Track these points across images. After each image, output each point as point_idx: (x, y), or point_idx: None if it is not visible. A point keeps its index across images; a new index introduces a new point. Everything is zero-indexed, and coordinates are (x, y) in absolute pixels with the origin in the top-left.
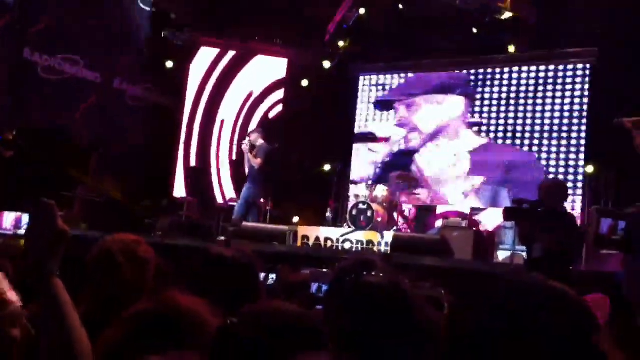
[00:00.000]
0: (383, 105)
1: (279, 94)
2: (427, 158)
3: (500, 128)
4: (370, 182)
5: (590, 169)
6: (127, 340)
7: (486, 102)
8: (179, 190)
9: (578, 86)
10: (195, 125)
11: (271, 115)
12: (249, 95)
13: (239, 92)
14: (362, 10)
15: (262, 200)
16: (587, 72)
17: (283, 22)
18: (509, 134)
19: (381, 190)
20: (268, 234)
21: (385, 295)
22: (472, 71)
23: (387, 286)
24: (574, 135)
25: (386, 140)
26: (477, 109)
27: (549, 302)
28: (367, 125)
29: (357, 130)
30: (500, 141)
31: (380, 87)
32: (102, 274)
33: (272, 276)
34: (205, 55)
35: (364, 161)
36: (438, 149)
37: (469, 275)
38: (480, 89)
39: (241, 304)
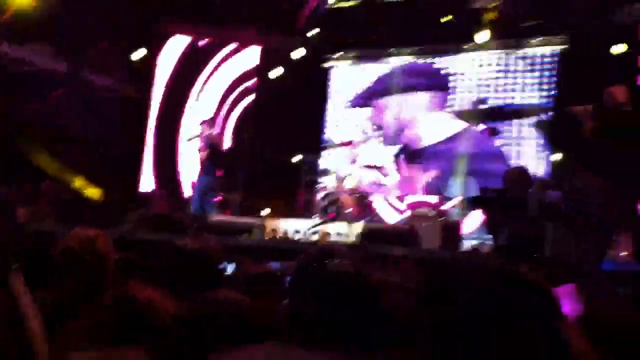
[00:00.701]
0: (354, 106)
1: (252, 82)
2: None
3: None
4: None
5: (557, 156)
6: (92, 334)
7: (458, 91)
8: (148, 183)
9: (546, 73)
10: (165, 116)
11: (243, 104)
12: (221, 84)
13: (211, 80)
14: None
15: (218, 190)
16: (556, 59)
17: (257, 9)
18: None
19: (350, 181)
20: (236, 227)
21: (349, 282)
22: (442, 60)
23: (351, 273)
24: (542, 123)
25: (349, 144)
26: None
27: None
28: (333, 128)
29: (328, 124)
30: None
31: (351, 78)
32: (63, 270)
33: (231, 266)
34: (176, 44)
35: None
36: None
37: (437, 264)
38: (450, 78)
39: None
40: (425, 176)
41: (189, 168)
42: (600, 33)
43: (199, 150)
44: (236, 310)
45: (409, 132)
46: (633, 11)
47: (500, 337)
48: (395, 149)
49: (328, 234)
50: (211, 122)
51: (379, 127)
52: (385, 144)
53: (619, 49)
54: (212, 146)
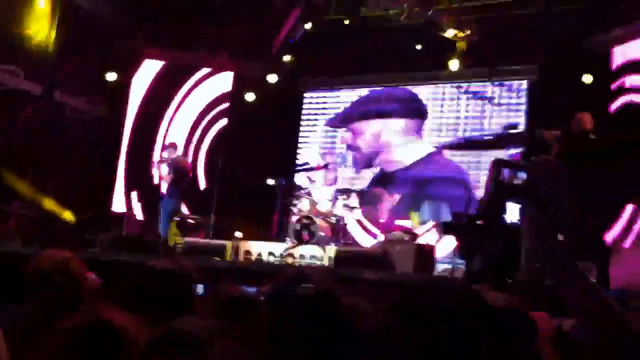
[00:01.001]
0: (330, 128)
1: (225, 106)
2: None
3: (441, 141)
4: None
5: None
6: (56, 356)
7: (430, 118)
8: (120, 204)
9: (515, 101)
10: (137, 138)
11: (217, 128)
12: (194, 108)
13: (184, 104)
14: (308, 25)
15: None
16: (526, 88)
17: (230, 34)
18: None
19: (324, 205)
20: (209, 248)
21: (322, 304)
22: (416, 87)
23: (324, 296)
24: (511, 150)
25: (325, 167)
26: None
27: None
28: (309, 151)
29: (302, 147)
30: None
31: (325, 105)
32: (35, 291)
33: (202, 287)
34: (149, 67)
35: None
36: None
37: (414, 287)
38: (423, 105)
39: (175, 318)
40: (396, 199)
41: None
42: (573, 61)
43: (165, 173)
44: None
45: (384, 156)
46: (605, 40)
47: (488, 350)
48: (370, 172)
49: (301, 257)
50: (175, 145)
51: (355, 150)
52: (360, 167)
53: (591, 77)
54: (176, 170)
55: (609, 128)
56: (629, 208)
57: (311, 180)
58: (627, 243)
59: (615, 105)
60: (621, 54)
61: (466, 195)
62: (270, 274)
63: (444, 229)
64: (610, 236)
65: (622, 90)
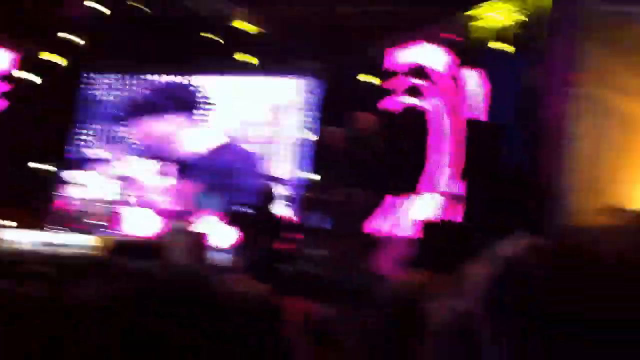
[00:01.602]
0: (114, 120)
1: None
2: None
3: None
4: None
5: (310, 176)
6: None
7: (221, 109)
8: None
9: (303, 98)
10: None
11: None
12: None
13: None
14: (92, 4)
15: None
16: (315, 86)
17: (10, 11)
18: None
19: (99, 192)
20: None
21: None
22: (201, 79)
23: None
24: (299, 144)
25: (113, 160)
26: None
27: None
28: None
29: (83, 135)
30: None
31: (105, 91)
32: None
33: None
34: None
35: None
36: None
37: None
38: (201, 97)
39: None
40: (186, 190)
41: None
42: (359, 62)
43: None
44: None
45: (172, 148)
46: (385, 44)
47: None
48: (157, 162)
49: (70, 246)
50: None
51: (141, 143)
52: (149, 158)
53: (368, 78)
54: None
55: (388, 128)
56: (389, 199)
57: (89, 170)
58: (387, 231)
59: (390, 106)
60: (397, 58)
61: (260, 185)
62: (25, 264)
63: (227, 218)
64: (372, 226)
65: (398, 92)
